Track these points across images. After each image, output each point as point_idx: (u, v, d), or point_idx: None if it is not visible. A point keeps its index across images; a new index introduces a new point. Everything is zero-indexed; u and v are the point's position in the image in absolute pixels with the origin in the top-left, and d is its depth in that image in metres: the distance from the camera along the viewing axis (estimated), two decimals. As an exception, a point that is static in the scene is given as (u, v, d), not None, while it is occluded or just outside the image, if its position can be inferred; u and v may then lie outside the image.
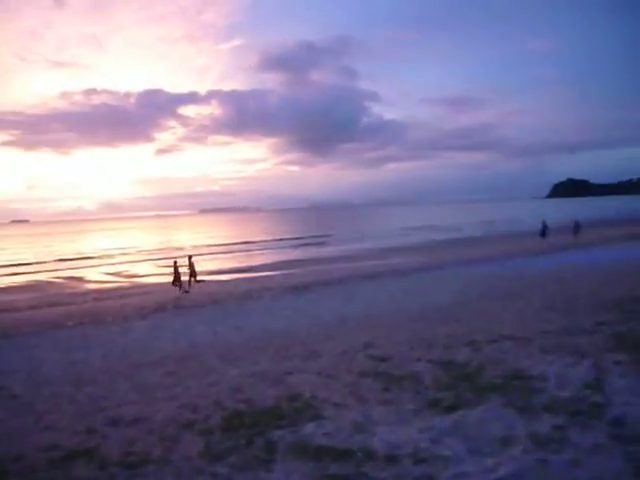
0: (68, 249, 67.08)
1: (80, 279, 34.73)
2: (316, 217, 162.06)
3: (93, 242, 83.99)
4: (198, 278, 24.30)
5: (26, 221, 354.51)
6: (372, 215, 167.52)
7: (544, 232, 40.03)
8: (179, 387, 8.71)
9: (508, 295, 16.26)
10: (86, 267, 43.05)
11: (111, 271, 38.45)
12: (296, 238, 67.77)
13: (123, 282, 31.94)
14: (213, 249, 55.33)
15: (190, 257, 24.25)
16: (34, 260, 52.08)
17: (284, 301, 18.79)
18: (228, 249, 55.33)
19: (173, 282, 23.51)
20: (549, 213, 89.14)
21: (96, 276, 36.00)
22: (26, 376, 10.37)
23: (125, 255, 54.17)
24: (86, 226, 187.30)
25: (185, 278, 23.69)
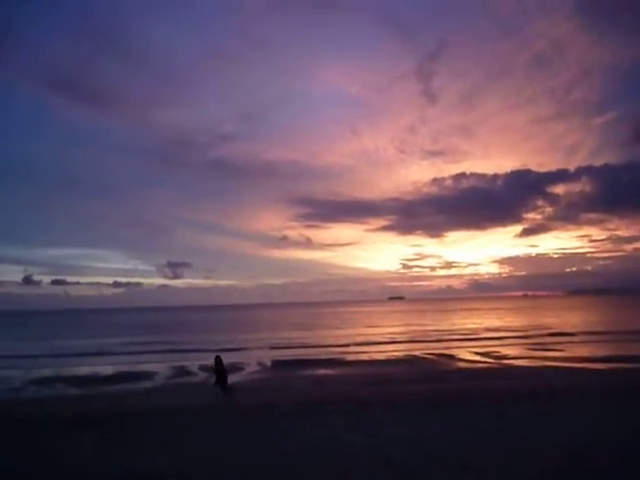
0: (439, 326, 70.22)
1: (450, 357, 35.57)
2: None
3: (462, 320, 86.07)
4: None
5: (401, 298, 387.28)
6: None
7: None
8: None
9: None
10: (456, 345, 44.02)
11: (480, 351, 38.43)
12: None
13: (492, 363, 31.51)
14: (591, 337, 50.65)
15: (218, 357, 20.79)
16: (409, 335, 55.95)
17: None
18: (603, 337, 49.89)
19: (216, 382, 20.54)
20: None
21: (465, 355, 36.42)
22: (407, 447, 10.74)
23: (494, 336, 53.68)
24: (455, 304, 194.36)
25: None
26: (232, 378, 28.28)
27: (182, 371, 31.88)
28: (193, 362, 35.52)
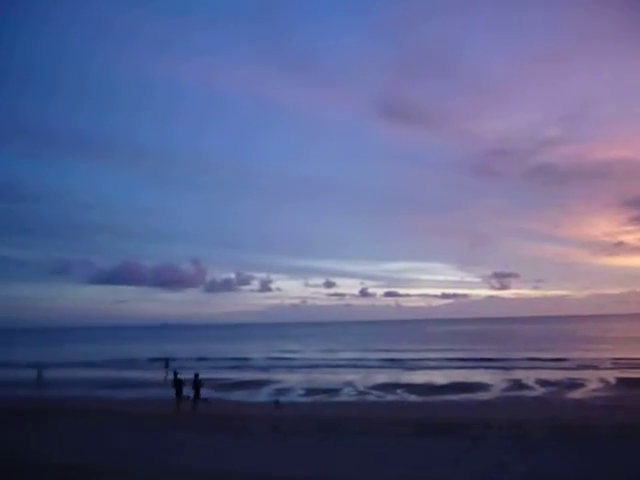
0: None
1: None
2: None
3: None
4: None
5: None
6: None
7: None
8: None
9: None
10: None
11: None
12: None
13: None
14: None
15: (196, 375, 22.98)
16: None
17: None
18: None
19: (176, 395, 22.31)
20: None
21: None
22: None
23: None
24: None
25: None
26: (570, 395, 26.83)
27: (517, 384, 31.33)
28: (528, 375, 34.66)
